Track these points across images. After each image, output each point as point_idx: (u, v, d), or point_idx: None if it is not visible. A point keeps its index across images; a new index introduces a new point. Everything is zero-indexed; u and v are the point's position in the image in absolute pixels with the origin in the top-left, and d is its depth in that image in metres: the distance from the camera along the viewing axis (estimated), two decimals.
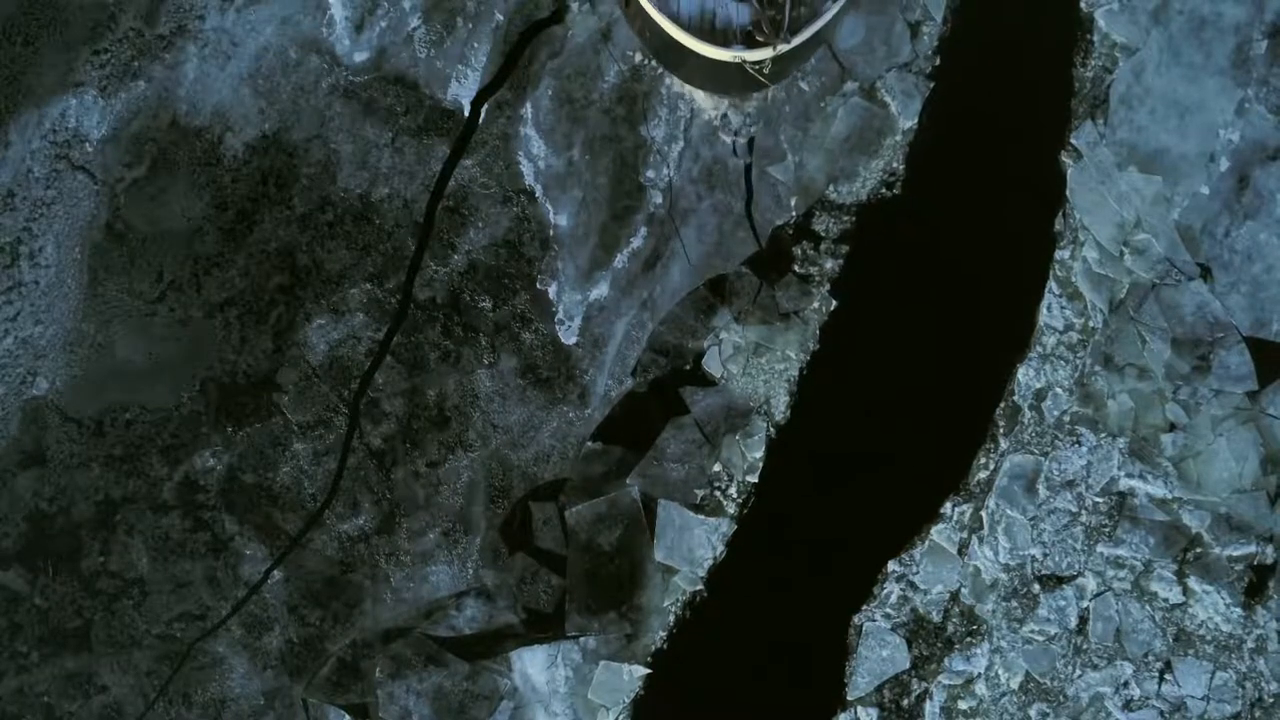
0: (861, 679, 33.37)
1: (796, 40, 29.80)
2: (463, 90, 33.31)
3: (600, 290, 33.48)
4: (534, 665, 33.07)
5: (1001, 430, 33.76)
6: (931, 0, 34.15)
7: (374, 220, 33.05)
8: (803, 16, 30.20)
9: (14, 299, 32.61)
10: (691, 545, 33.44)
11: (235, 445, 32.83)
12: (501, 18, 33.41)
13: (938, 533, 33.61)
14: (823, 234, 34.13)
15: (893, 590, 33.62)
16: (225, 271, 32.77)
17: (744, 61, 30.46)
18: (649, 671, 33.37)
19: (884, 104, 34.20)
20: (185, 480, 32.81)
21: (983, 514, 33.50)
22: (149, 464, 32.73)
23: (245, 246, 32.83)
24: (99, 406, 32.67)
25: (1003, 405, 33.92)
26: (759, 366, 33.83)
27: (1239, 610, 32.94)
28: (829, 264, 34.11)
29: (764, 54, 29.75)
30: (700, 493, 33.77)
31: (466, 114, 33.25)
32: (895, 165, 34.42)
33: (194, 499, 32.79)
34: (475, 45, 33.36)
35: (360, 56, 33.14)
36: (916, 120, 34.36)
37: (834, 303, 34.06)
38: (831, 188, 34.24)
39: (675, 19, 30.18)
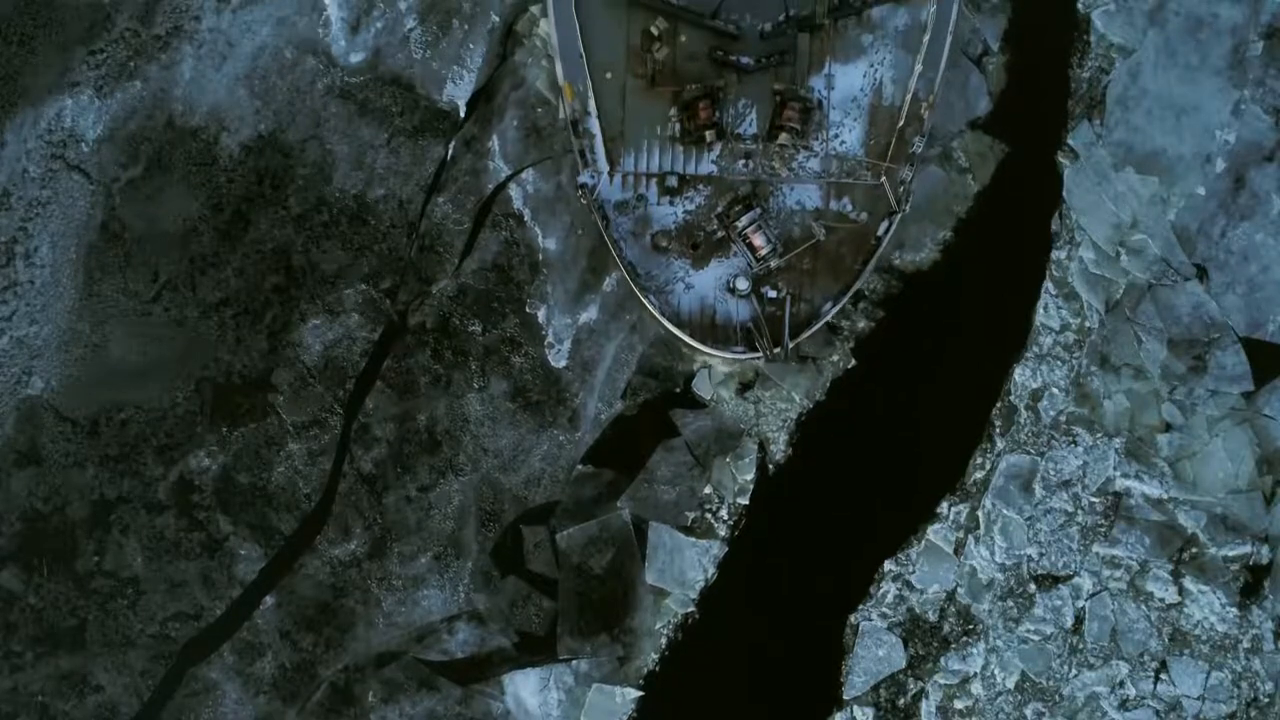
0: (858, 678, 33.33)
1: (795, 342, 30.19)
2: (458, 91, 33.32)
3: (590, 313, 33.45)
4: (526, 688, 33.10)
5: (998, 430, 33.74)
6: (988, 32, 34.09)
7: (369, 221, 33.05)
8: (802, 312, 30.59)
9: (9, 298, 32.60)
10: (683, 567, 33.46)
11: (230, 445, 32.82)
12: (497, 19, 33.43)
13: (934, 532, 33.58)
14: (866, 293, 33.90)
15: (889, 590, 33.59)
16: (221, 272, 32.77)
17: (745, 360, 31.00)
18: (641, 694, 33.39)
19: (963, 169, 33.90)
20: (180, 480, 32.79)
21: (979, 514, 33.48)
22: (144, 464, 32.72)
23: (241, 247, 32.83)
24: (94, 406, 32.67)
25: (999, 405, 33.90)
26: (760, 397, 33.72)
27: (1234, 610, 32.92)
28: (861, 323, 33.87)
29: (763, 357, 30.33)
30: (691, 515, 33.75)
31: (463, 115, 33.29)
32: (948, 235, 34.19)
33: (189, 499, 32.78)
34: (471, 46, 33.37)
35: (356, 57, 33.16)
36: (989, 183, 34.09)
37: (853, 361, 33.90)
38: (896, 253, 33.87)
39: (676, 316, 30.61)
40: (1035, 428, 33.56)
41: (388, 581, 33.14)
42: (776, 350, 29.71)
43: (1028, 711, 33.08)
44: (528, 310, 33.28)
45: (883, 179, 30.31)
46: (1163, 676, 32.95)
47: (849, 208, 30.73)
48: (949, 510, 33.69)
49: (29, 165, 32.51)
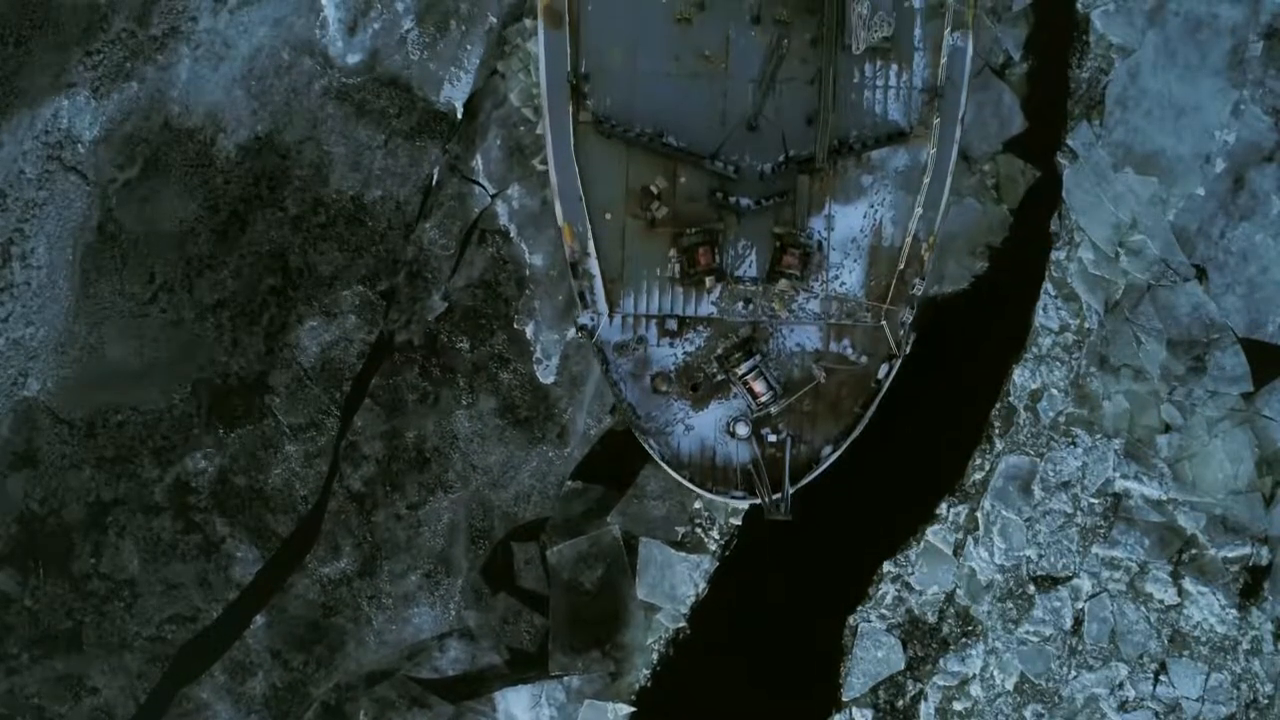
0: (857, 680, 33.28)
1: (795, 488, 30.12)
2: (455, 92, 33.25)
3: None
4: (518, 705, 33.05)
5: (997, 431, 33.67)
6: (1009, 42, 33.93)
7: (366, 222, 32.99)
8: (802, 454, 30.52)
9: (5, 300, 32.56)
10: (674, 582, 33.40)
11: (227, 447, 32.76)
12: (495, 20, 33.36)
13: (933, 534, 33.51)
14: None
15: (888, 591, 33.53)
16: (217, 273, 32.71)
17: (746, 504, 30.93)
18: (634, 709, 33.33)
19: (996, 200, 33.61)
20: (177, 482, 32.74)
21: (978, 515, 33.41)
22: (140, 465, 32.67)
23: (237, 248, 32.77)
24: (90, 408, 32.62)
25: (998, 406, 33.82)
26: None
27: (1234, 611, 32.84)
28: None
29: (763, 509, 30.35)
30: (682, 530, 33.68)
31: (459, 116, 33.23)
32: (985, 266, 33.95)
33: (185, 500, 32.73)
34: (468, 47, 33.30)
35: (353, 58, 33.08)
36: (1018, 205, 33.74)
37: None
38: (935, 286, 33.48)
39: (676, 458, 30.54)
40: (1034, 429, 33.48)
41: (378, 599, 33.10)
42: (777, 498, 29.73)
43: (1027, 713, 33.01)
44: (515, 326, 33.18)
45: (883, 321, 30.18)
46: (1162, 678, 32.88)
47: (849, 350, 30.57)
48: (948, 511, 33.62)
49: (25, 166, 32.46)
